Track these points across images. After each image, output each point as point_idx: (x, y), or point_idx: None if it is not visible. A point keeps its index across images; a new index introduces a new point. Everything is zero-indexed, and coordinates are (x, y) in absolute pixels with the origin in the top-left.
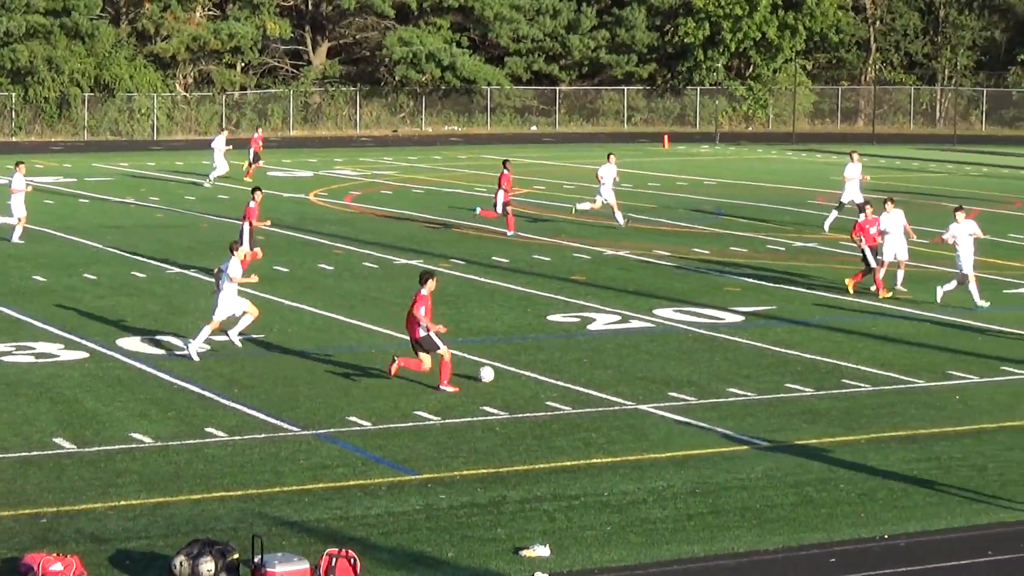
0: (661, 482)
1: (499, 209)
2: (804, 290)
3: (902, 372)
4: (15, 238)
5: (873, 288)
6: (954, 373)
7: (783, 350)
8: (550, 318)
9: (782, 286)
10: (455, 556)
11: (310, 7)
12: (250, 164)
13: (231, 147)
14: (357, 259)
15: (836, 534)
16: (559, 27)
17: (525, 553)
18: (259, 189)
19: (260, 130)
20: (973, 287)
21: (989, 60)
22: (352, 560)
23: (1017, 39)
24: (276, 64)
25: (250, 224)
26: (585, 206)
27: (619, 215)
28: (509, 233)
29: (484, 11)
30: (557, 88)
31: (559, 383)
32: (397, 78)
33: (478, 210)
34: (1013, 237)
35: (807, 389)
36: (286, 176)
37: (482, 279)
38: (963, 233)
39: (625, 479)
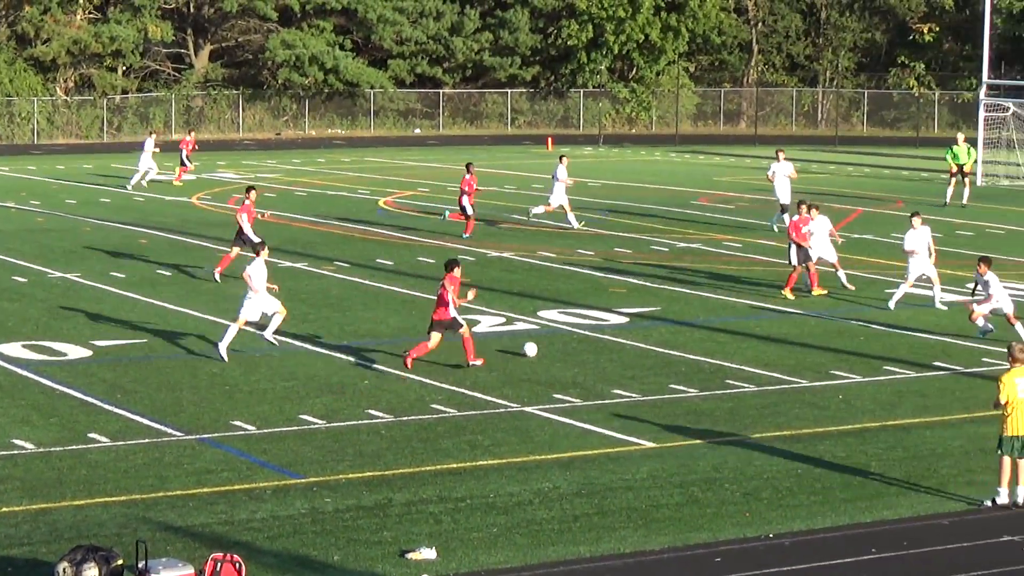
0: (547, 483)
1: (469, 211)
2: (688, 291)
3: (786, 372)
4: None
5: (785, 289)
6: (837, 373)
7: (667, 351)
8: None
9: (666, 287)
10: (341, 559)
11: (192, 10)
12: (181, 167)
13: (159, 149)
14: (241, 263)
15: (721, 534)
16: (442, 30)
17: (411, 556)
18: (254, 187)
19: (192, 133)
20: (901, 289)
21: (870, 62)
22: (237, 564)
23: (897, 41)
24: (158, 67)
25: (248, 222)
26: (540, 210)
27: (572, 216)
28: (465, 236)
29: (367, 14)
30: (440, 91)
31: (444, 386)
32: (280, 81)
33: (446, 215)
34: (895, 237)
35: (691, 390)
36: (168, 179)
37: (367, 281)
38: (921, 242)
39: (511, 481)
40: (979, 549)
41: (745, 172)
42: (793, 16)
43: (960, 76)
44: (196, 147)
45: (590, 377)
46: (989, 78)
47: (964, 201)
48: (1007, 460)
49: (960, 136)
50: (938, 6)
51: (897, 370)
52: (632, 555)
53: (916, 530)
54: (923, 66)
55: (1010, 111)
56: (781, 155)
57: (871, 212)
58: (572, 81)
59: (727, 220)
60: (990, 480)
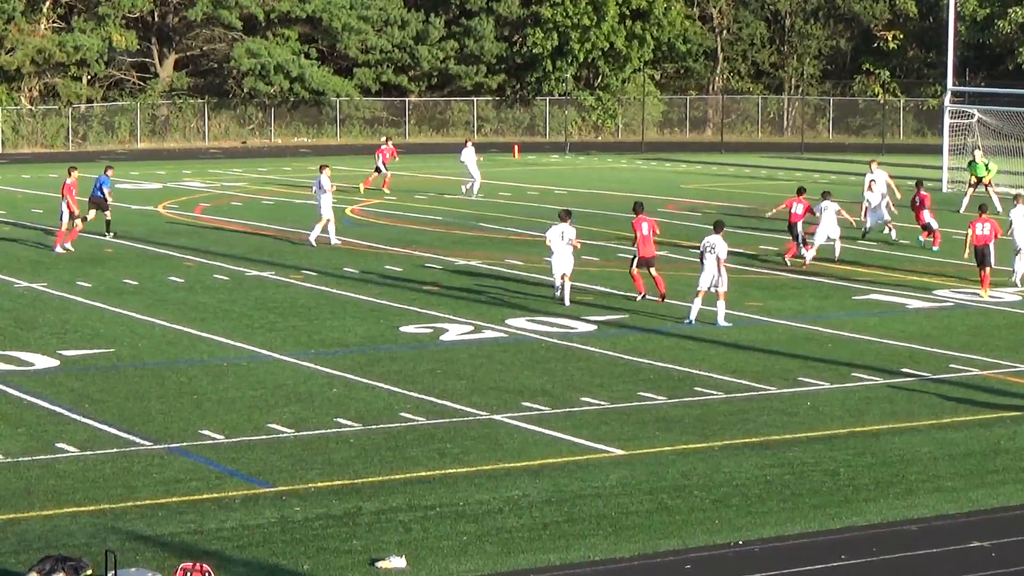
0: (516, 491)
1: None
2: (655, 298)
3: (754, 379)
4: (333, 240)
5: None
6: (805, 380)
7: (635, 358)
8: (402, 329)
9: (633, 294)
10: (311, 568)
11: (156, 19)
12: (379, 172)
13: (481, 157)
14: (208, 271)
15: (691, 541)
16: (407, 38)
17: (381, 564)
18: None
19: (390, 141)
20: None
21: (835, 69)
22: (207, 574)
23: (862, 48)
24: (123, 77)
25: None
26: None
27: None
28: (935, 248)
29: (332, 22)
30: (406, 99)
31: (413, 394)
32: (245, 90)
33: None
34: (862, 244)
35: (660, 397)
36: (134, 188)
37: (334, 290)
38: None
39: (480, 489)
40: (948, 555)
41: (712, 179)
42: (758, 24)
43: (925, 83)
44: (396, 155)
45: (559, 385)
46: (954, 85)
47: (999, 208)
48: None
49: (978, 152)
50: (902, 14)
51: (865, 376)
52: (602, 562)
53: (885, 536)
54: (888, 73)
55: (975, 118)
56: (874, 165)
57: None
58: (538, 89)
59: (694, 227)
60: (958, 486)
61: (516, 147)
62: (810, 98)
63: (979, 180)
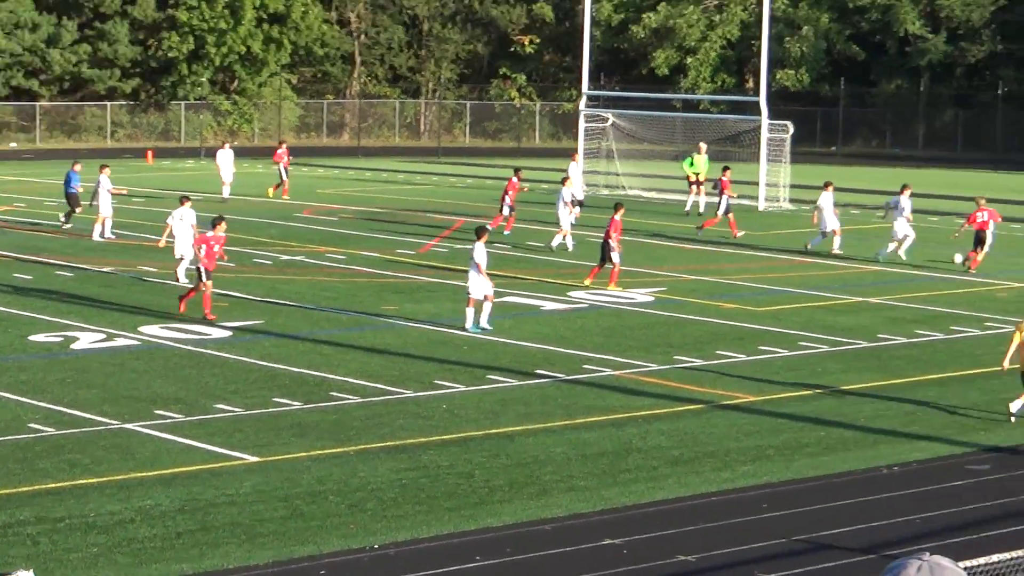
0: (149, 501)
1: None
2: (292, 303)
3: (390, 383)
4: (107, 234)
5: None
6: (441, 383)
7: (271, 364)
8: (31, 338)
9: (269, 300)
10: None
11: None
12: (281, 181)
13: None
14: None
15: (326, 546)
16: (38, 41)
17: None
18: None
19: (284, 144)
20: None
21: (472, 73)
22: None
23: (499, 53)
24: None
25: None
26: (890, 248)
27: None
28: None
29: None
30: (37, 104)
31: (42, 404)
32: None
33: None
34: (498, 245)
35: (295, 403)
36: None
37: None
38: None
39: (112, 499)
40: (581, 553)
41: (349, 184)
42: (396, 28)
43: (561, 87)
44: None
45: (192, 392)
46: (589, 89)
47: (701, 210)
48: None
49: (703, 146)
50: (539, 19)
51: (500, 379)
52: (236, 570)
53: (519, 536)
54: (524, 78)
55: (609, 122)
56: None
57: (472, 222)
58: (173, 94)
59: (330, 232)
60: (591, 485)
61: (150, 152)
62: (447, 102)
63: (696, 176)
